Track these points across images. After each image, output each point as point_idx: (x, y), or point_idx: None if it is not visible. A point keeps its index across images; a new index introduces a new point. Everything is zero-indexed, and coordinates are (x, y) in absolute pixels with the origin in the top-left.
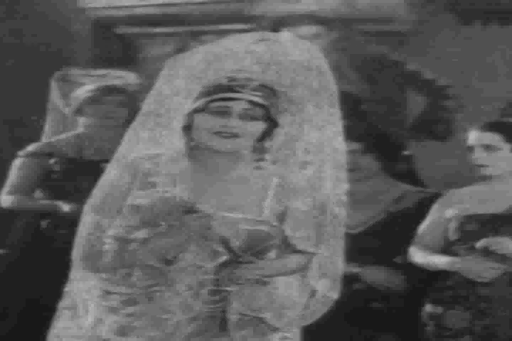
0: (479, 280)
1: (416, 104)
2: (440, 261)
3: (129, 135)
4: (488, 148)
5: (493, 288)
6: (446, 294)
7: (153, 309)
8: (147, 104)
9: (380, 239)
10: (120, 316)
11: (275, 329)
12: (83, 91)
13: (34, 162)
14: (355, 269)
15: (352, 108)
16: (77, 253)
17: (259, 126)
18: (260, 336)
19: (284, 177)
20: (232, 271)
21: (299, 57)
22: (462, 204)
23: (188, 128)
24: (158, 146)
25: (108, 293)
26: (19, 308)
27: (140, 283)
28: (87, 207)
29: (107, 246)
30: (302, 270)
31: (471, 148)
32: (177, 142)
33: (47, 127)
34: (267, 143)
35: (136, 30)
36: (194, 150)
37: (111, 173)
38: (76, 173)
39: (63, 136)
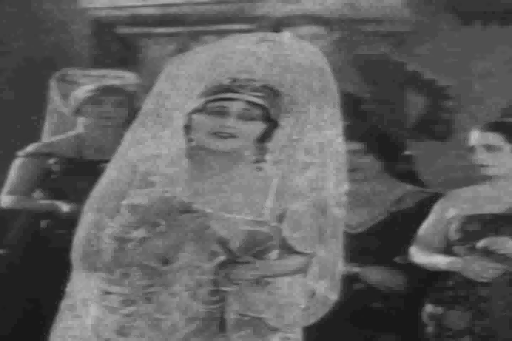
0: (479, 280)
1: (416, 104)
2: (440, 261)
3: (129, 135)
4: (489, 148)
5: (493, 288)
6: (446, 294)
7: (152, 309)
8: (147, 104)
9: (381, 239)
10: (119, 316)
11: (275, 330)
12: (82, 91)
13: (33, 162)
14: (355, 269)
15: (353, 108)
16: (76, 252)
17: (258, 127)
18: (260, 336)
19: (285, 178)
20: (230, 272)
21: (301, 59)
22: (463, 204)
23: (187, 129)
24: (158, 146)
25: (107, 293)
26: (19, 308)
27: (138, 283)
28: (86, 207)
29: (104, 246)
30: (302, 271)
31: (472, 148)
32: (177, 142)
33: (46, 127)
34: (268, 144)
35: (136, 30)
36: (194, 151)
37: (111, 173)
38: (75, 173)
39: (63, 136)
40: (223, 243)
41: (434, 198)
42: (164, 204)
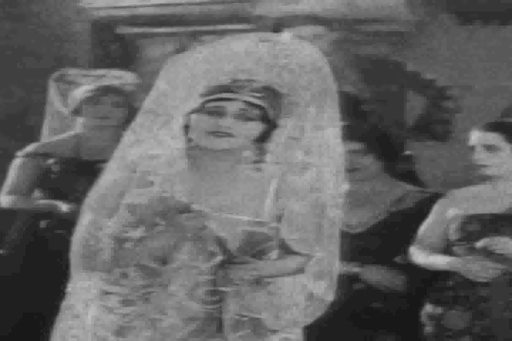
0: (479, 280)
1: (416, 104)
2: (440, 261)
3: (128, 134)
4: (489, 148)
5: (492, 288)
6: (446, 294)
7: (150, 309)
8: (147, 104)
9: (381, 239)
10: (117, 316)
11: (275, 330)
12: (81, 91)
13: (32, 162)
14: (355, 269)
15: (353, 108)
16: (74, 252)
17: (255, 127)
18: (260, 336)
19: (284, 179)
20: (229, 272)
21: (301, 59)
22: (463, 204)
23: (187, 129)
24: (157, 146)
25: (105, 293)
26: (19, 309)
27: (136, 283)
28: (85, 207)
29: (103, 245)
30: (300, 271)
31: (472, 148)
32: (176, 142)
33: (45, 127)
34: (267, 145)
35: (136, 30)
36: (193, 151)
37: (109, 173)
38: (74, 173)
39: (61, 136)
40: (221, 243)
41: (434, 198)
42: (163, 204)
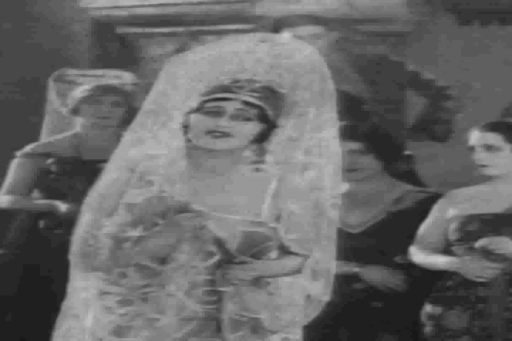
0: (477, 280)
1: (416, 104)
2: (439, 260)
3: (128, 134)
4: (489, 148)
5: (492, 288)
6: (446, 294)
7: (148, 309)
8: (147, 104)
9: (381, 239)
10: (116, 316)
11: (275, 330)
12: (80, 91)
13: (31, 162)
14: (355, 269)
15: (353, 108)
16: (74, 252)
17: (253, 127)
18: (259, 336)
19: (284, 179)
20: (227, 272)
21: (301, 60)
22: (463, 204)
23: (186, 128)
24: (157, 146)
25: (104, 292)
26: (19, 308)
27: (134, 283)
28: (84, 206)
29: (102, 245)
30: (298, 271)
31: (472, 148)
32: (176, 142)
33: (44, 127)
34: (267, 145)
35: (136, 30)
36: (192, 150)
37: (109, 173)
38: (73, 173)
39: (60, 136)
40: (220, 243)
41: (433, 198)
42: (162, 204)
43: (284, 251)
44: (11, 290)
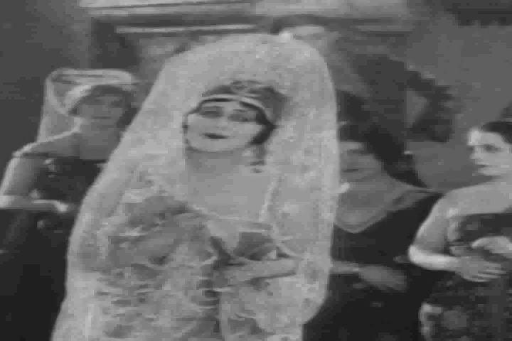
0: (476, 280)
1: (416, 104)
2: (439, 261)
3: (128, 134)
4: (489, 148)
5: (491, 288)
6: (446, 294)
7: (146, 310)
8: (147, 104)
9: (381, 239)
10: (114, 316)
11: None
12: (79, 91)
13: (30, 162)
14: (355, 269)
15: (353, 108)
16: (73, 252)
17: (252, 128)
18: (259, 337)
19: (284, 180)
20: (224, 273)
21: (301, 60)
22: (463, 204)
23: (186, 129)
24: (157, 146)
25: (102, 293)
26: (18, 308)
27: (132, 283)
28: (83, 206)
29: (101, 245)
30: (293, 272)
31: (472, 148)
32: (176, 142)
33: (43, 127)
34: (267, 146)
35: (136, 30)
36: (192, 151)
37: (109, 173)
38: (72, 173)
39: (59, 136)
40: (218, 244)
41: (433, 198)
42: (161, 204)
43: (279, 252)
44: (11, 290)
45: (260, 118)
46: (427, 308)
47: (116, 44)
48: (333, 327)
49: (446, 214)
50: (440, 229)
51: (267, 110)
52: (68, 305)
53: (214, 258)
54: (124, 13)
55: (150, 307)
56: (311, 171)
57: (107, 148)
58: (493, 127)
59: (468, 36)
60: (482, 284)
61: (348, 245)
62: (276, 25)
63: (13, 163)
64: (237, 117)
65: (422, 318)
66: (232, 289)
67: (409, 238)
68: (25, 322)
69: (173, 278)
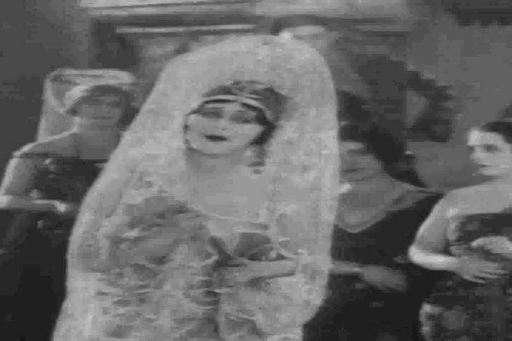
0: (475, 280)
1: (416, 104)
2: (439, 260)
3: (128, 134)
4: (489, 148)
5: (491, 288)
6: (445, 294)
7: (146, 310)
8: (148, 104)
9: (381, 239)
10: (114, 316)
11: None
12: (78, 91)
13: (29, 162)
14: (355, 269)
15: (353, 108)
16: (73, 252)
17: (252, 129)
18: (259, 337)
19: (284, 181)
20: (223, 273)
21: (302, 61)
22: (463, 204)
23: (186, 129)
24: (157, 146)
25: (102, 293)
26: (17, 308)
27: (132, 283)
28: (83, 206)
29: (101, 245)
30: (292, 273)
31: (472, 148)
32: (176, 142)
33: (42, 127)
34: (267, 147)
35: (136, 30)
36: (192, 151)
37: (109, 172)
38: (72, 173)
39: (58, 136)
40: (218, 244)
41: (433, 198)
42: (161, 204)
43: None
44: (11, 290)
45: (261, 119)
46: (427, 308)
47: (116, 44)
48: (333, 327)
49: (446, 214)
50: (440, 229)
51: (267, 111)
52: (68, 305)
53: (214, 258)
54: (124, 13)
55: (150, 307)
56: (311, 171)
57: (106, 148)
58: (493, 127)
59: (468, 36)
60: (482, 284)
61: (348, 245)
62: (276, 25)
63: (12, 163)
64: (238, 118)
65: (422, 318)
66: (231, 289)
67: (409, 238)
68: (25, 322)
69: (173, 278)
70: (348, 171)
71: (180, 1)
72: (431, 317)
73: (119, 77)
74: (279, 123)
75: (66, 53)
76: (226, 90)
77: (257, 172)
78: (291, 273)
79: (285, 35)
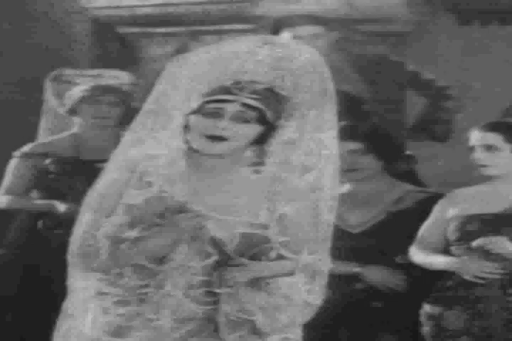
0: (475, 280)
1: (416, 104)
2: (438, 260)
3: (128, 134)
4: (489, 148)
5: (491, 288)
6: (445, 294)
7: (146, 310)
8: (148, 104)
9: (381, 239)
10: (114, 316)
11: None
12: (78, 90)
13: (29, 162)
14: (355, 269)
15: (353, 108)
16: (73, 252)
17: (253, 129)
18: (259, 337)
19: (284, 181)
20: (223, 273)
21: (302, 61)
22: (463, 204)
23: (186, 129)
24: (157, 146)
25: (102, 293)
26: (17, 308)
27: (132, 283)
28: (84, 206)
29: (101, 245)
30: (292, 273)
31: (472, 148)
32: (176, 143)
33: (42, 127)
34: (267, 147)
35: (136, 30)
36: (192, 151)
37: (109, 173)
38: (71, 173)
39: (58, 136)
40: (218, 244)
41: (433, 198)
42: (161, 204)
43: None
44: (11, 290)
45: (261, 119)
46: (427, 308)
47: (117, 44)
48: (333, 327)
49: (446, 214)
50: (440, 229)
51: (267, 111)
52: (68, 305)
53: (214, 258)
54: (124, 13)
55: (150, 307)
56: (311, 171)
57: (106, 148)
58: (493, 127)
59: (468, 36)
60: (482, 284)
61: (348, 245)
62: (276, 25)
63: (12, 163)
64: (239, 118)
65: (422, 318)
66: (231, 289)
67: (409, 238)
68: (25, 322)
69: (173, 278)
70: (348, 171)
71: (180, 1)
72: (431, 317)
73: (119, 77)
74: (279, 123)
75: (66, 53)
76: (226, 90)
77: (257, 172)
78: (291, 273)
79: (285, 35)
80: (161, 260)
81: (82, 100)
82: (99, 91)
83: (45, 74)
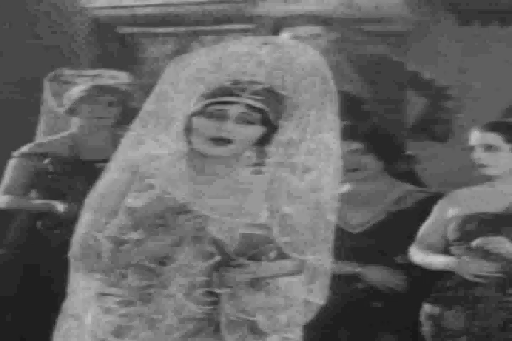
0: (475, 280)
1: (416, 104)
2: (438, 260)
3: (129, 135)
4: (489, 148)
5: (490, 288)
6: (445, 294)
7: (148, 310)
8: (148, 104)
9: (381, 239)
10: (115, 317)
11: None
12: (77, 91)
13: (28, 162)
14: (355, 269)
15: (353, 108)
16: (74, 253)
17: (256, 131)
18: (259, 337)
19: (284, 181)
20: (224, 274)
21: (303, 62)
22: (463, 204)
23: (188, 131)
24: (158, 147)
25: (104, 294)
26: (17, 308)
27: (134, 284)
28: (84, 207)
29: (102, 247)
30: (297, 273)
31: (472, 148)
32: (177, 144)
33: (40, 127)
34: (268, 148)
35: (136, 30)
36: (193, 152)
37: (110, 173)
38: (71, 173)
39: (57, 136)
40: (217, 244)
41: (434, 198)
42: (161, 205)
43: (281, 253)
44: (11, 290)
45: (264, 121)
46: (426, 308)
47: (117, 44)
48: (333, 327)
49: (446, 214)
50: (440, 229)
51: (270, 112)
52: (69, 305)
53: (217, 258)
54: (124, 12)
55: (152, 307)
56: (312, 172)
57: (105, 148)
58: (493, 127)
59: (468, 36)
60: (482, 284)
61: (348, 245)
62: (276, 25)
63: (11, 163)
64: (243, 120)
65: (422, 318)
66: (232, 290)
67: (410, 238)
68: (25, 322)
69: (175, 279)
70: (348, 171)
71: (180, 1)
72: (431, 317)
73: (117, 77)
74: (279, 124)
75: (66, 53)
76: (228, 91)
77: (257, 172)
78: (291, 273)
79: (285, 35)
80: (163, 261)
81: (81, 100)
82: (98, 92)
83: (45, 74)
